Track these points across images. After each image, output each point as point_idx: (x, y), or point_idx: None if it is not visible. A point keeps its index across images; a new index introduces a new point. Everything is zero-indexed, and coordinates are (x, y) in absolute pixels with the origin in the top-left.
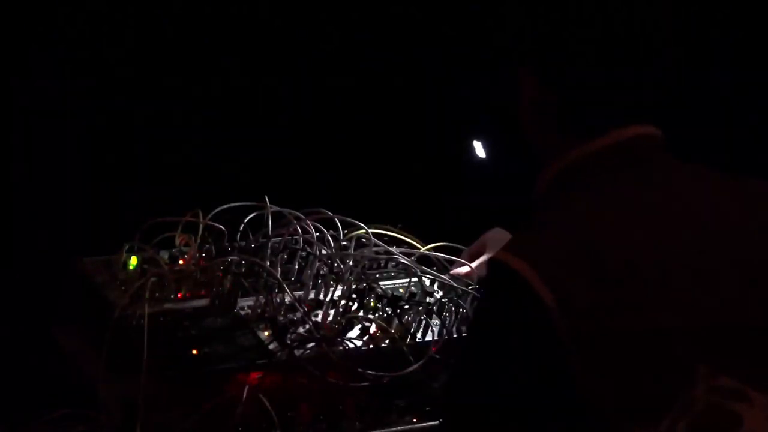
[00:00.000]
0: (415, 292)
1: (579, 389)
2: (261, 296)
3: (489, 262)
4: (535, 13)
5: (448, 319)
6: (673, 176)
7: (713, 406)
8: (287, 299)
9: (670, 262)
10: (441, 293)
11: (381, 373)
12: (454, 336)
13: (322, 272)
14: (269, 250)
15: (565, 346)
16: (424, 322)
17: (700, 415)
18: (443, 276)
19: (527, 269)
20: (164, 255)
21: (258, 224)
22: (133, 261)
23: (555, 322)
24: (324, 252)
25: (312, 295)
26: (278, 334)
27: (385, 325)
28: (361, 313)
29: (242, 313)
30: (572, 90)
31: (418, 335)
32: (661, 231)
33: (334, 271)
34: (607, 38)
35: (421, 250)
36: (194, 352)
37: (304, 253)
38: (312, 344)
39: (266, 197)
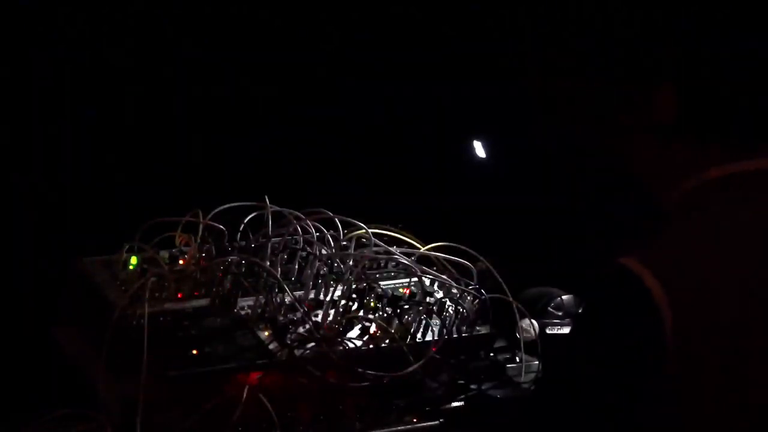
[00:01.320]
0: (415, 292)
1: (678, 411)
2: (261, 296)
3: (619, 266)
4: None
5: (448, 319)
6: None
7: None
8: (287, 299)
9: None
10: (441, 293)
11: (381, 373)
12: (454, 336)
13: (322, 272)
14: (269, 250)
15: (673, 364)
16: (424, 322)
17: None
18: (443, 276)
19: (655, 284)
20: (164, 255)
21: (258, 224)
22: (133, 261)
23: (668, 340)
24: (324, 252)
25: (312, 295)
26: (278, 334)
27: (385, 325)
28: (361, 313)
29: (242, 313)
30: (721, 107)
31: (418, 335)
32: None
33: (334, 271)
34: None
35: (421, 250)
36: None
37: (304, 253)
38: (312, 344)
39: (266, 197)
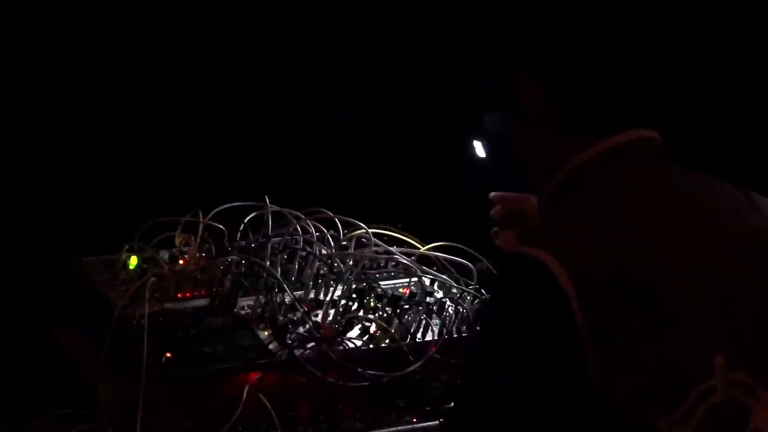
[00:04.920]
0: (415, 292)
1: (595, 377)
2: (261, 296)
3: (509, 254)
4: (534, 17)
5: (448, 319)
6: (682, 176)
7: (731, 398)
8: (287, 299)
9: (686, 256)
10: (441, 293)
11: (381, 373)
12: (454, 336)
13: (322, 272)
14: (269, 250)
15: (583, 333)
16: (424, 322)
17: (718, 405)
18: (443, 276)
19: (549, 258)
20: (164, 255)
21: (258, 224)
22: (133, 261)
23: (574, 311)
24: (324, 252)
25: (312, 295)
26: (278, 334)
27: (385, 325)
28: (361, 313)
29: (242, 313)
30: (580, 92)
31: (418, 335)
32: (677, 226)
33: (334, 271)
34: (608, 36)
35: (421, 250)
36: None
37: (304, 253)
38: (312, 344)
39: (266, 197)
